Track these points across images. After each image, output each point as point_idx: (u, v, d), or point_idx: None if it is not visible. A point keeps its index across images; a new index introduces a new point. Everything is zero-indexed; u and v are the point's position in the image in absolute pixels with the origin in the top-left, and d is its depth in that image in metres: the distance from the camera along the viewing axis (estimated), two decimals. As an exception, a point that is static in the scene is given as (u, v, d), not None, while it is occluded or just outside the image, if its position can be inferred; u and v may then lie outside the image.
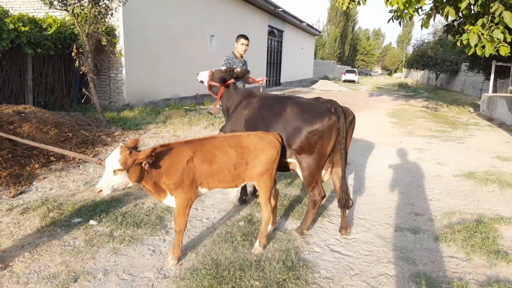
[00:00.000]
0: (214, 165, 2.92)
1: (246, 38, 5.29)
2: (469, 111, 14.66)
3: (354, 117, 3.56)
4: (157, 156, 2.69)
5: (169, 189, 2.81)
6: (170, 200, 2.88)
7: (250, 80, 4.98)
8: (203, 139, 3.02)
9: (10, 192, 4.28)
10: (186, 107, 11.93)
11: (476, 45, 6.78)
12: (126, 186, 2.66)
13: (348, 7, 9.34)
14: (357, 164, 6.24)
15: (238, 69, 4.10)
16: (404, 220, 4.07)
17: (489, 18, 6.77)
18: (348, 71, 39.97)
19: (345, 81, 38.45)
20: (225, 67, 4.17)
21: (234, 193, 4.16)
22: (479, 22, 6.79)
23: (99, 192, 2.54)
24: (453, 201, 4.70)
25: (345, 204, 3.51)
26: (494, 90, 15.73)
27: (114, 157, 2.53)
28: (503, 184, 5.29)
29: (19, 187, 4.44)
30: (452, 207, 4.46)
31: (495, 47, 6.74)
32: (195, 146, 2.90)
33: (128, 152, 2.54)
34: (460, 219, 4.10)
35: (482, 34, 6.66)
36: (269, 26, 21.87)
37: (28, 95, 8.69)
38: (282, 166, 3.49)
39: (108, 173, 2.54)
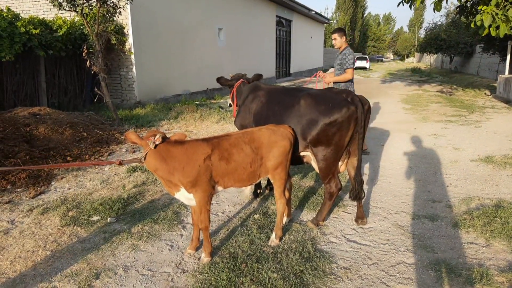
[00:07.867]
0: (231, 163, 2.90)
1: (333, 31, 5.65)
2: (485, 93, 14.32)
3: (369, 106, 3.51)
4: (174, 151, 2.71)
5: (186, 186, 2.79)
6: (181, 195, 2.87)
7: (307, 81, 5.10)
8: (220, 137, 3.00)
9: (30, 193, 4.39)
10: (197, 102, 11.97)
11: (490, 26, 6.60)
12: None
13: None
14: (372, 152, 6.17)
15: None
16: (421, 208, 4.02)
17: (504, -3, 6.57)
18: (359, 58, 39.38)
19: (356, 68, 37.95)
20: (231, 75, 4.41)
21: (248, 189, 4.17)
22: (493, 1, 6.60)
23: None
24: (471, 186, 4.62)
25: (357, 195, 3.47)
26: (511, 71, 15.29)
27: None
28: (523, 167, 5.18)
29: (38, 188, 4.54)
30: (471, 193, 4.39)
31: (510, 27, 6.55)
32: (213, 144, 2.89)
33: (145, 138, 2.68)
34: (478, 204, 4.04)
35: (496, 14, 6.48)
36: (277, 16, 21.64)
37: (42, 97, 8.84)
38: (296, 159, 3.47)
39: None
